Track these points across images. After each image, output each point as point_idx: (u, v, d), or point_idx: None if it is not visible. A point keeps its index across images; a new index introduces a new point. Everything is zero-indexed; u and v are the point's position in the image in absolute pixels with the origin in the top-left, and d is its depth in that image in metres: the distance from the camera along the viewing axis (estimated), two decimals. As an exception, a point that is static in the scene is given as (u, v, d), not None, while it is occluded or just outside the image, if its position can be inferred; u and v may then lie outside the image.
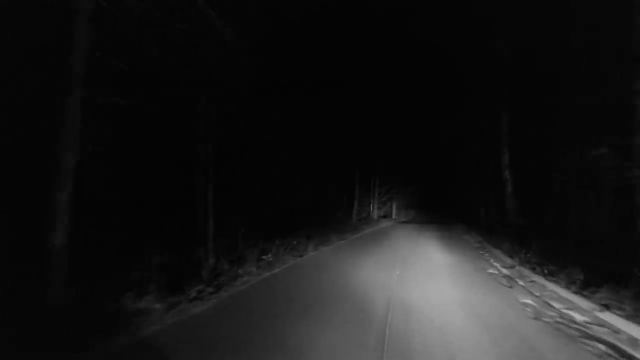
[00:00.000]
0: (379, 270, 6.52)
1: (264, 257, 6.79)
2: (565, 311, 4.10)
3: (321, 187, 17.44)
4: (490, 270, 6.91)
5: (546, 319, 3.86)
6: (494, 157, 15.30)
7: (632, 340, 3.27)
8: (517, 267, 7.05)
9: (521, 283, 5.80)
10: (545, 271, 6.10)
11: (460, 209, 32.88)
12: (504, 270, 6.86)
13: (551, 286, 5.36)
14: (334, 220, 15.82)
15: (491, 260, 8.13)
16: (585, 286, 4.90)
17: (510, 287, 5.49)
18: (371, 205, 22.81)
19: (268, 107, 10.70)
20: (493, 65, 13.57)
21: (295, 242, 8.59)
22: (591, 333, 3.48)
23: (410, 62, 21.00)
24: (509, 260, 7.84)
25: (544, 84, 11.65)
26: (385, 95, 21.02)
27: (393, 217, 27.78)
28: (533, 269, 6.57)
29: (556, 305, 4.38)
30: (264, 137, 11.02)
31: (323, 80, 14.59)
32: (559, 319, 3.86)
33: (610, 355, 2.99)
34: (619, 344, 3.21)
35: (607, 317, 3.88)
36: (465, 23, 15.30)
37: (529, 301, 4.57)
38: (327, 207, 17.96)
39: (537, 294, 5.02)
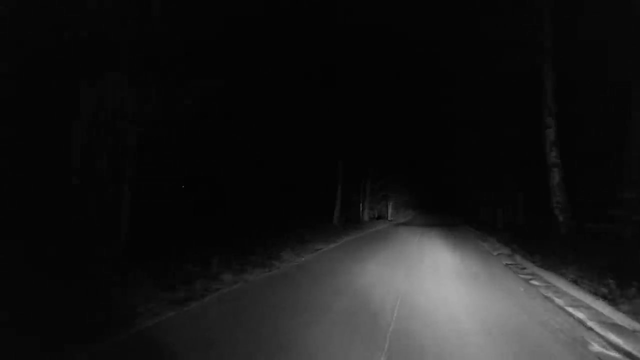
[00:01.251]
0: (346, 337, 2.57)
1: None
2: None
3: (295, 183, 13.68)
4: (597, 348, 2.97)
5: None
6: (521, 138, 11.42)
7: None
8: (646, 335, 3.13)
9: None
10: None
11: (463, 209, 29.50)
12: (630, 350, 2.92)
13: None
14: (308, 224, 11.86)
15: (566, 306, 4.15)
16: None
17: None
18: (361, 204, 18.82)
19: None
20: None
21: (197, 269, 4.60)
22: None
23: (404, 29, 16.99)
24: (606, 309, 3.91)
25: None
26: (378, 74, 16.98)
27: (389, 218, 23.79)
28: None
29: None
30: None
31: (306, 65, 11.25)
32: None
33: None
34: None
35: None
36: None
37: None
38: (304, 207, 14.15)
39: None
